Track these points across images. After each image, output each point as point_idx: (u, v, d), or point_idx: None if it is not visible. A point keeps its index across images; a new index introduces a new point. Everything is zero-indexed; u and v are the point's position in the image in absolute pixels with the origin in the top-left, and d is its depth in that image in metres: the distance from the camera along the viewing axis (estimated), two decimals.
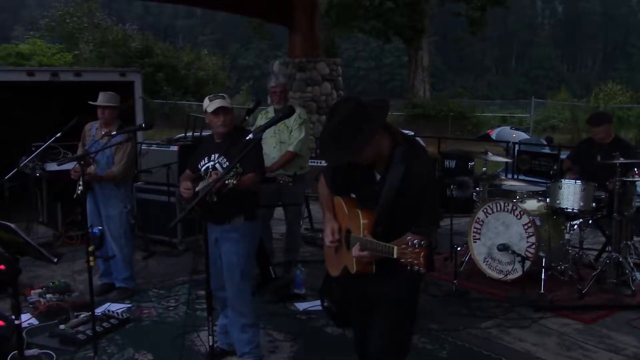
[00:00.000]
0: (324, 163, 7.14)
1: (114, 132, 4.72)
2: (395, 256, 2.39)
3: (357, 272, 2.71)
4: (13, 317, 3.20)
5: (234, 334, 3.92)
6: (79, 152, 5.18)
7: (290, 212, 5.70)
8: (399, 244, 2.39)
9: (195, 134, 7.99)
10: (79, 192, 4.42)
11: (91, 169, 4.57)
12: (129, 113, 7.44)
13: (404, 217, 2.64)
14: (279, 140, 5.41)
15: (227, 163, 3.62)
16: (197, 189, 3.60)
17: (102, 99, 5.02)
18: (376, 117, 2.60)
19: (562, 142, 12.39)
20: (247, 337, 3.85)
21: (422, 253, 2.31)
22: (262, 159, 3.91)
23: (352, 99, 2.70)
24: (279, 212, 6.10)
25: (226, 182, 3.25)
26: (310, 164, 6.02)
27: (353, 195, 2.87)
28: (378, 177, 2.73)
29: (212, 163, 3.74)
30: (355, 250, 2.65)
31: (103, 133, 5.04)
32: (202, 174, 3.71)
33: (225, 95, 3.83)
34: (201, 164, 3.80)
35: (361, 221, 2.68)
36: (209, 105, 3.70)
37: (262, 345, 4.03)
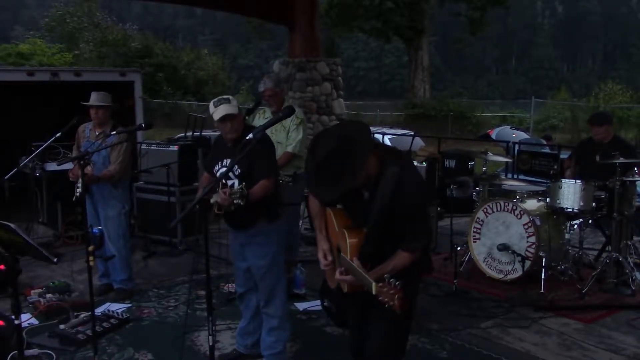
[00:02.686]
0: None
1: (112, 132, 4.71)
2: (374, 292, 2.34)
3: (349, 291, 2.71)
4: (13, 317, 3.20)
5: (262, 334, 3.91)
6: (74, 154, 5.18)
7: (290, 212, 5.69)
8: (377, 280, 2.35)
9: (195, 133, 8.00)
10: (78, 194, 4.42)
11: (87, 169, 4.55)
12: (129, 113, 7.44)
13: (394, 235, 2.63)
14: (276, 141, 5.37)
15: (239, 170, 3.56)
16: (212, 200, 3.46)
17: (95, 98, 4.99)
18: (361, 147, 2.52)
19: (562, 142, 12.40)
20: (271, 340, 3.82)
21: (397, 295, 2.26)
22: (274, 162, 3.80)
23: (332, 131, 2.66)
24: None
25: (234, 201, 3.24)
26: None
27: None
28: (366, 194, 2.70)
29: (224, 169, 3.64)
30: (338, 274, 2.65)
31: (97, 133, 5.04)
32: (217, 184, 3.55)
33: (230, 97, 3.67)
34: (215, 168, 3.73)
35: (347, 241, 2.65)
36: (214, 112, 3.57)
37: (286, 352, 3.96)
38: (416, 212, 2.64)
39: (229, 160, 3.65)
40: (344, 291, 2.73)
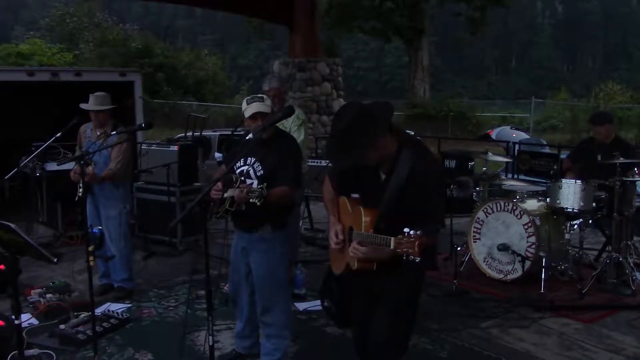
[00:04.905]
0: (323, 163, 7.14)
1: (112, 132, 4.71)
2: (392, 247, 2.42)
3: (358, 268, 2.73)
4: (13, 317, 3.20)
5: (261, 339, 3.87)
6: (77, 154, 5.17)
7: None
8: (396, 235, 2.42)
9: (195, 133, 8.00)
10: (80, 194, 4.42)
11: (89, 169, 4.55)
12: (129, 113, 7.44)
13: (406, 216, 2.65)
14: None
15: (262, 171, 3.55)
16: (225, 195, 3.47)
17: (93, 102, 4.97)
18: (381, 121, 2.62)
19: (562, 142, 12.39)
20: (269, 347, 3.78)
21: (417, 242, 2.34)
22: (299, 171, 3.71)
23: (356, 103, 2.71)
24: None
25: (251, 200, 3.23)
26: (309, 164, 6.01)
27: (356, 195, 2.88)
28: (383, 176, 2.76)
29: (247, 167, 3.61)
30: (353, 244, 2.67)
31: (98, 133, 5.03)
32: (233, 179, 3.52)
33: (264, 96, 3.69)
34: (238, 164, 3.65)
35: (363, 218, 2.70)
36: (246, 109, 3.56)
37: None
38: (430, 194, 2.67)
39: (253, 160, 3.61)
40: (354, 268, 2.74)
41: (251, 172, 3.59)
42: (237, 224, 3.75)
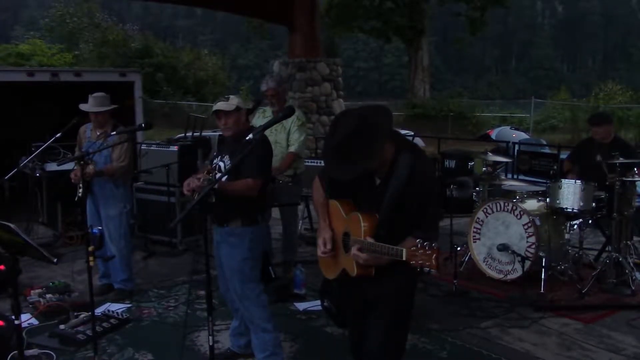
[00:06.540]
0: (322, 163, 7.13)
1: (112, 133, 4.71)
2: (404, 258, 2.36)
3: (358, 275, 2.69)
4: (13, 317, 3.20)
5: (252, 338, 3.87)
6: (77, 155, 5.17)
7: (287, 212, 5.69)
8: (408, 246, 2.37)
9: (195, 134, 7.99)
10: (79, 194, 4.42)
11: (89, 168, 4.54)
12: (129, 113, 7.44)
13: (405, 221, 2.64)
14: (275, 141, 5.39)
15: (230, 164, 3.61)
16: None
17: (93, 103, 4.96)
18: (381, 130, 2.56)
19: (562, 142, 12.38)
20: (260, 343, 3.77)
21: (435, 255, 2.29)
22: (264, 164, 3.69)
23: (355, 112, 2.64)
24: (276, 212, 6.09)
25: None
26: (307, 163, 6.01)
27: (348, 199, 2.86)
28: (378, 181, 2.72)
29: (219, 161, 3.71)
30: (354, 250, 2.64)
31: (98, 134, 5.03)
32: (205, 171, 3.62)
33: (232, 96, 3.71)
34: (214, 161, 3.76)
35: (362, 224, 2.65)
36: (214, 107, 3.66)
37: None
38: (429, 198, 2.66)
39: (227, 156, 3.68)
40: (353, 275, 2.71)
41: (222, 165, 3.67)
42: (212, 218, 3.79)
